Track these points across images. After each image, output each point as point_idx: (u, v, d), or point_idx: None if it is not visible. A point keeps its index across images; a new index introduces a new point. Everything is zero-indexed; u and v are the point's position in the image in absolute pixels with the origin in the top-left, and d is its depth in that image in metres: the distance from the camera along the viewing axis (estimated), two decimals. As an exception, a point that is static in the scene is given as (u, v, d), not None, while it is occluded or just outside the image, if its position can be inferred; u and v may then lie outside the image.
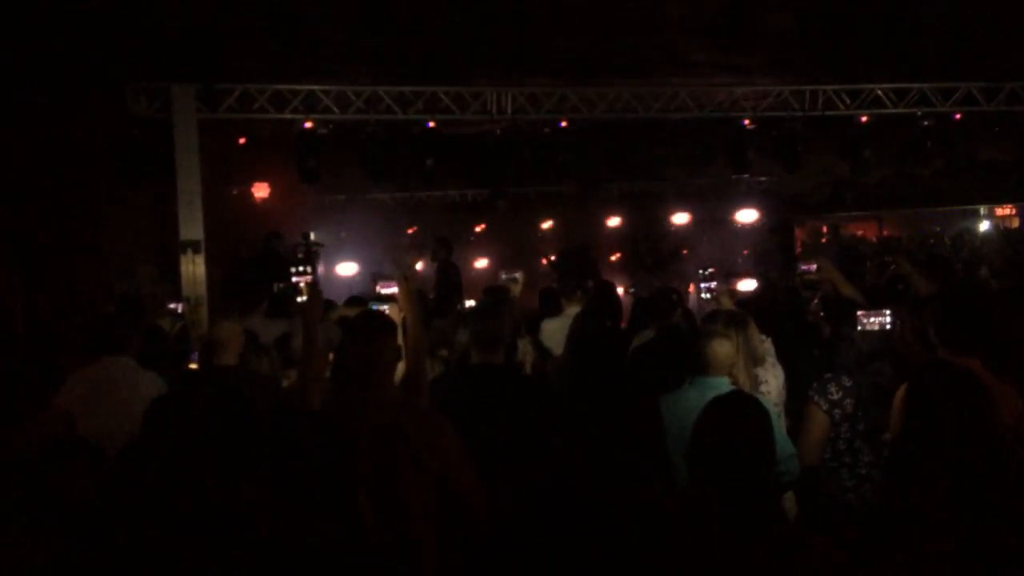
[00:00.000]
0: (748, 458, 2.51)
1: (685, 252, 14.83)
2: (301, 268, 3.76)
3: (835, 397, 3.67)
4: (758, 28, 8.31)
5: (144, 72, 8.80)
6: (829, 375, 3.77)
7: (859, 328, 3.66)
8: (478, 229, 15.79)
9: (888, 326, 3.63)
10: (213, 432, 3.09)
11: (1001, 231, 20.43)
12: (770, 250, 13.10)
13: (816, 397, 3.70)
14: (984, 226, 21.39)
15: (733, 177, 11.40)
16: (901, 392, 3.39)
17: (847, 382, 3.69)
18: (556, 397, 4.28)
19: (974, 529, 1.91)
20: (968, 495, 2.00)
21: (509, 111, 10.13)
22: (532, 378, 4.95)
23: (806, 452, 3.74)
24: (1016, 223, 21.42)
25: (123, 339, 4.68)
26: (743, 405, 2.62)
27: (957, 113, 10.98)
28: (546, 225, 16.07)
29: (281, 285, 6.83)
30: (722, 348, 3.90)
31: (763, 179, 14.87)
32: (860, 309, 4.08)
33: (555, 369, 5.52)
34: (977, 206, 20.96)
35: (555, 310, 7.35)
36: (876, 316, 3.65)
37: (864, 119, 10.91)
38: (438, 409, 3.39)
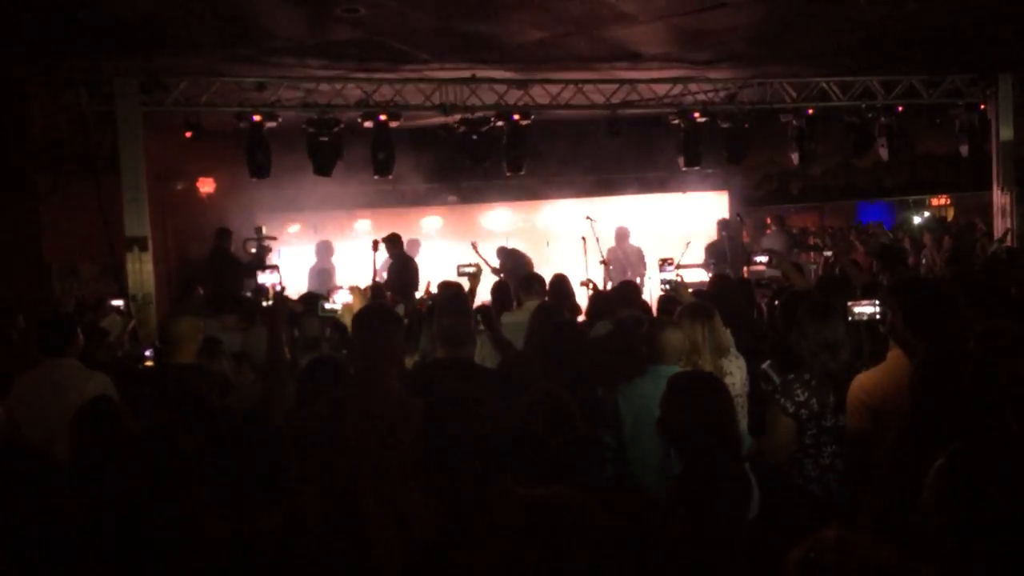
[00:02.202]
0: (719, 419, 2.78)
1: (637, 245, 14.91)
2: (267, 271, 3.67)
3: (801, 398, 3.67)
4: (708, 23, 8.39)
5: (85, 63, 8.51)
6: (791, 376, 3.77)
7: (850, 319, 3.71)
8: (433, 223, 15.65)
9: (878, 316, 3.67)
10: (165, 435, 3.02)
11: (937, 220, 21.06)
12: (720, 242, 13.22)
13: (782, 400, 3.68)
14: (920, 218, 22.03)
15: (684, 169, 11.48)
16: (858, 382, 3.46)
17: (812, 380, 3.69)
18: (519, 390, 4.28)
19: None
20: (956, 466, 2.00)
21: (463, 104, 10.07)
22: (497, 372, 4.92)
23: (772, 451, 3.76)
24: (951, 214, 22.09)
25: (64, 341, 4.53)
26: (702, 377, 2.99)
27: (899, 105, 11.24)
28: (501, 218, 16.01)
29: (249, 294, 6.66)
30: (674, 336, 3.97)
31: (711, 171, 15.05)
32: (808, 300, 4.16)
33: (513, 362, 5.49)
34: (914, 197, 21.54)
35: (509, 304, 7.33)
36: (866, 306, 3.70)
37: (810, 112, 11.10)
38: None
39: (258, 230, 10.36)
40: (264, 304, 3.69)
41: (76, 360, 4.45)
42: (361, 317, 3.31)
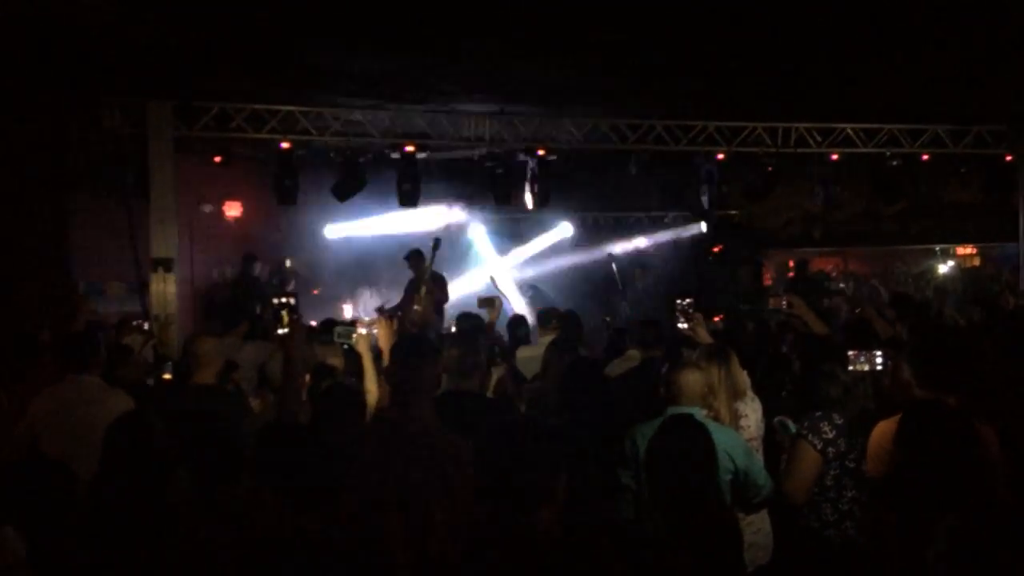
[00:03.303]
0: (689, 469, 2.84)
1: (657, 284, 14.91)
2: (283, 299, 3.73)
3: (829, 436, 3.65)
4: (732, 67, 8.46)
5: (120, 87, 8.71)
6: (819, 413, 3.75)
7: (850, 368, 3.69)
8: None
9: (879, 367, 3.65)
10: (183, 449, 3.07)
11: (963, 270, 20.83)
12: (740, 283, 13.22)
13: (810, 436, 3.67)
14: (946, 266, 21.79)
15: (705, 210, 11.53)
16: (880, 430, 3.44)
17: (838, 420, 3.68)
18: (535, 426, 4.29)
19: (970, 569, 1.92)
20: (963, 534, 2.02)
21: (487, 137, 10.18)
22: (505, 404, 4.94)
23: (795, 490, 3.73)
24: (978, 262, 21.85)
25: (88, 358, 4.60)
26: (683, 427, 3.00)
27: (925, 154, 11.23)
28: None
29: (263, 308, 6.74)
30: (692, 378, 3.91)
31: (734, 212, 15.07)
32: (830, 345, 4.14)
33: (527, 395, 5.51)
34: (939, 245, 21.35)
35: (526, 338, 7.37)
36: (867, 357, 3.68)
37: (835, 157, 11.11)
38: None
39: (280, 263, 10.51)
40: (280, 331, 3.73)
41: (98, 378, 4.51)
42: (405, 348, 3.36)
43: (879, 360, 3.64)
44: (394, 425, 3.14)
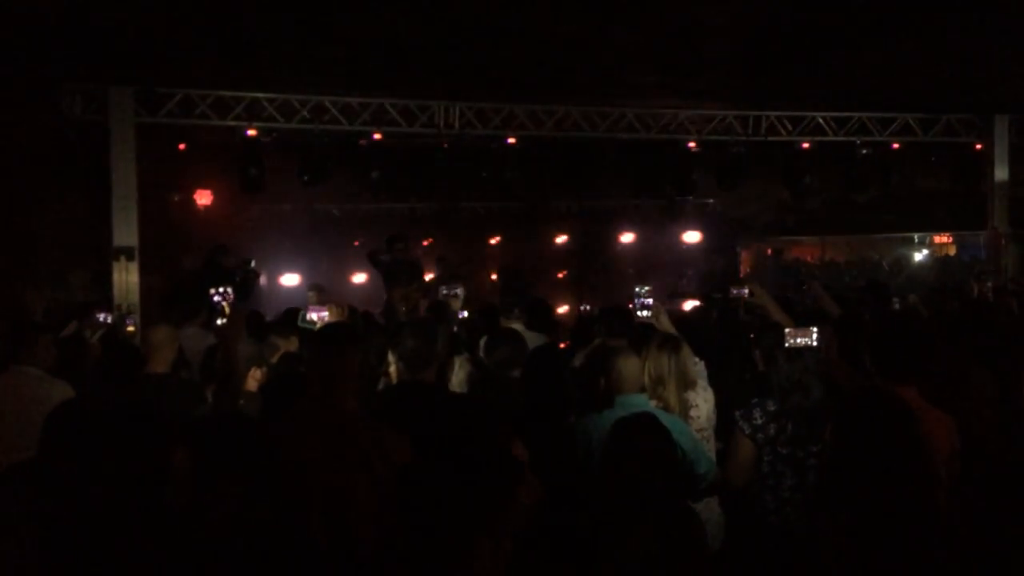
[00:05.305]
0: (648, 473, 2.76)
1: (632, 271, 14.94)
2: (220, 289, 3.69)
3: (759, 422, 3.72)
4: (704, 55, 8.44)
5: (81, 73, 8.57)
6: (755, 400, 3.81)
7: (786, 345, 3.70)
8: (424, 243, 15.72)
9: (814, 343, 3.66)
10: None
11: (937, 259, 20.97)
12: (714, 272, 13.25)
13: (740, 423, 3.75)
14: (921, 254, 21.93)
15: (678, 198, 11.53)
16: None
17: (772, 407, 3.72)
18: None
19: (899, 559, 1.90)
20: (894, 525, 1.99)
21: (457, 126, 10.11)
22: (462, 396, 4.90)
23: (732, 475, 3.83)
24: (953, 251, 22.02)
25: (24, 348, 4.52)
26: (643, 426, 2.89)
27: (895, 143, 11.26)
28: (492, 241, 16.07)
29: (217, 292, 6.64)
30: (629, 364, 3.91)
31: (708, 201, 15.09)
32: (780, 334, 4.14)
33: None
34: (913, 233, 21.50)
35: (493, 327, 7.32)
36: (802, 335, 3.69)
37: (805, 145, 11.13)
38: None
39: (247, 261, 10.41)
40: (219, 321, 3.68)
41: (37, 369, 4.44)
42: (320, 335, 3.31)
43: (814, 336, 3.65)
44: (311, 415, 3.09)
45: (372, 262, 10.39)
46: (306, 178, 9.94)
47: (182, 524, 2.65)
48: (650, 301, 5.49)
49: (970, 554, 2.67)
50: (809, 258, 21.88)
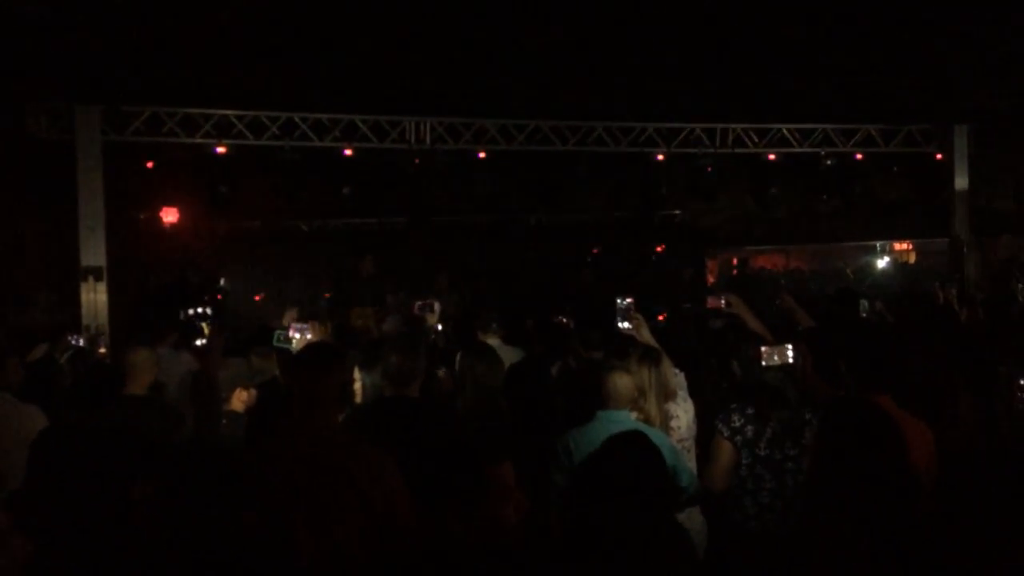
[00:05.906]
0: (640, 494, 2.67)
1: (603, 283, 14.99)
2: (199, 309, 3.63)
3: (737, 424, 3.78)
4: (670, 68, 8.55)
5: (46, 91, 8.45)
6: (734, 405, 3.87)
7: (763, 364, 3.75)
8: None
9: (791, 360, 3.72)
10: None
11: (899, 265, 21.37)
12: (684, 283, 13.36)
13: (720, 426, 3.82)
14: (883, 261, 22.32)
15: (648, 211, 11.65)
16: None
17: (749, 410, 3.78)
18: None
19: (884, 565, 1.94)
20: (878, 533, 2.04)
21: (428, 141, 10.13)
22: (448, 409, 4.90)
23: (712, 478, 3.86)
24: (913, 258, 22.45)
25: None
26: (633, 445, 2.77)
27: (858, 153, 11.48)
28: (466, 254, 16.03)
29: (190, 312, 6.58)
30: (622, 382, 3.91)
31: (676, 212, 15.23)
32: (763, 344, 4.18)
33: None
34: (875, 242, 21.87)
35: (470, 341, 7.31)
36: (778, 353, 3.75)
37: (772, 157, 11.30)
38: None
39: (217, 280, 10.33)
40: (198, 342, 3.63)
41: (8, 393, 4.36)
42: (303, 357, 3.29)
43: (790, 354, 3.71)
44: (294, 435, 3.07)
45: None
46: (278, 195, 9.89)
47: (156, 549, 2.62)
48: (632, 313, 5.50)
49: (951, 559, 2.72)
50: (772, 267, 22.21)
